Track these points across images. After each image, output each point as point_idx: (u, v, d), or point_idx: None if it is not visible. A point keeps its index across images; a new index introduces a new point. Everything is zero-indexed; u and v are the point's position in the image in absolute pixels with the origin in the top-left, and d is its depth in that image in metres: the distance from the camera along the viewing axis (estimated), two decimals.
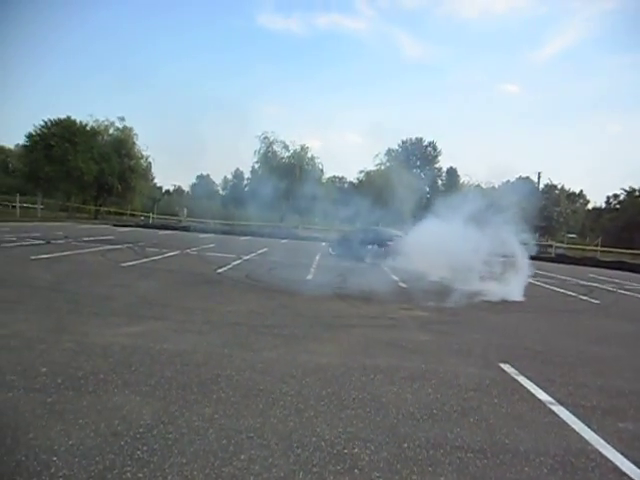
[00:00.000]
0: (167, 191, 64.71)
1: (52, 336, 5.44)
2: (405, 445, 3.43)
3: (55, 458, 2.86)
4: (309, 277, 12.73)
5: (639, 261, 27.58)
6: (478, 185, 58.26)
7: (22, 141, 41.98)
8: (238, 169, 57.92)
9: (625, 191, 58.80)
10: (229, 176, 60.47)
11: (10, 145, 47.97)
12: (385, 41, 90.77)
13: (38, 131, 39.80)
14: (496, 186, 60.28)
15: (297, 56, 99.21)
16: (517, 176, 65.25)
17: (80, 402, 3.71)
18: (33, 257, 12.25)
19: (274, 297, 9.33)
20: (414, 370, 5.25)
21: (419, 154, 64.45)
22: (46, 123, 40.14)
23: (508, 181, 65.93)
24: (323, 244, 25.93)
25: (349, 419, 3.82)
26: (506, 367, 5.59)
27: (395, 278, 13.53)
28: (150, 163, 48.25)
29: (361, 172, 55.41)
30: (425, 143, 64.59)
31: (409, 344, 6.40)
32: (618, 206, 59.18)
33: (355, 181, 56.84)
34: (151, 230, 30.47)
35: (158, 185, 58.96)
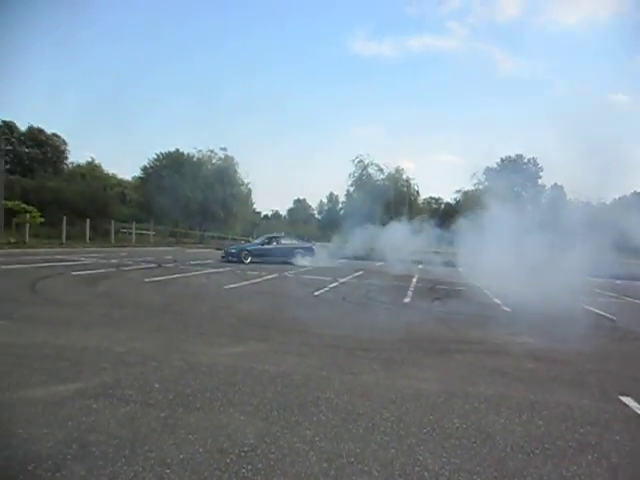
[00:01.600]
0: (266, 216, 67.35)
1: (163, 354, 5.80)
2: None
3: (168, 471, 3.02)
4: (406, 300, 12.52)
5: None
6: (588, 203, 54.41)
7: (138, 173, 46.01)
8: (332, 193, 59.01)
9: None
10: (324, 200, 61.74)
11: (128, 177, 52.61)
12: (479, 58, 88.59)
13: (151, 164, 43.42)
14: (607, 202, 55.91)
15: (390, 79, 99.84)
16: (632, 191, 60.04)
17: (189, 418, 3.90)
18: (146, 280, 13.24)
19: (369, 319, 9.27)
20: (521, 400, 4.94)
21: (520, 172, 61.60)
22: (158, 156, 43.72)
23: (624, 196, 60.91)
24: (420, 266, 25.46)
25: (453, 449, 3.66)
26: (627, 400, 5.07)
27: (497, 301, 12.91)
28: (250, 190, 50.56)
29: (458, 192, 54.07)
30: (525, 160, 61.72)
31: (515, 371, 6.04)
32: None
33: (452, 201, 55.50)
34: None
35: (257, 210, 61.54)
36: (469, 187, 54.15)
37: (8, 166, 41.69)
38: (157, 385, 4.63)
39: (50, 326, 7.01)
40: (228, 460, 3.22)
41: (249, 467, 3.15)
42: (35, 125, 50.82)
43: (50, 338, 6.25)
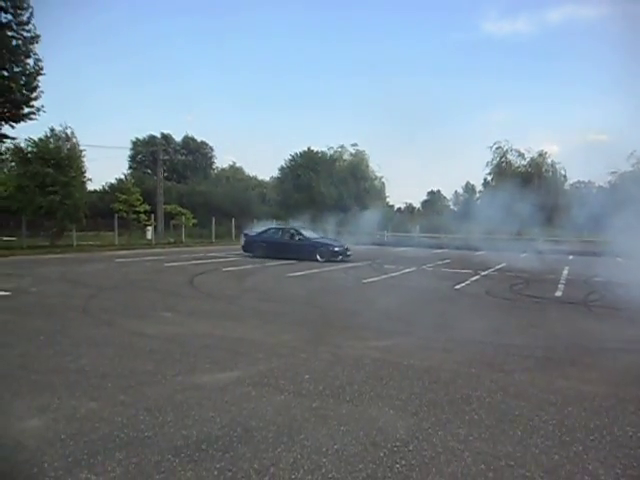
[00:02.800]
0: (399, 209, 66.80)
1: (310, 346, 6.02)
2: None
3: (325, 460, 3.12)
4: (558, 294, 11.56)
5: None
6: None
7: (275, 174, 48.48)
8: (469, 182, 56.65)
9: None
10: (460, 190, 59.56)
11: (266, 178, 55.71)
12: (631, 22, 78.32)
13: (287, 164, 45.47)
14: None
15: (527, 57, 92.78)
16: None
17: (340, 409, 4.00)
18: (289, 274, 13.89)
19: (518, 314, 8.73)
20: None
21: None
22: (293, 156, 45.62)
23: None
24: (570, 257, 23.43)
25: (627, 459, 3.28)
26: None
27: None
28: (384, 183, 50.50)
29: (613, 173, 48.50)
30: None
31: None
32: None
33: (606, 185, 49.98)
34: (386, 247, 31.64)
35: (391, 204, 61.31)
36: (626, 168, 48.21)
37: (166, 174, 46.49)
38: (307, 376, 4.82)
39: (209, 318, 7.66)
40: (381, 454, 3.24)
41: (403, 462, 3.13)
42: (189, 134, 55.99)
43: (210, 329, 6.84)
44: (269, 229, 21.65)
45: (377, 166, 49.33)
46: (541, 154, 46.13)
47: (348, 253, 19.58)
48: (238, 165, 55.54)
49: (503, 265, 18.94)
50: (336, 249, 19.26)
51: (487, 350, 6.15)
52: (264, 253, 19.42)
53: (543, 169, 45.27)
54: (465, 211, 51.28)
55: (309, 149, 46.51)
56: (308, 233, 20.94)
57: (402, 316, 8.30)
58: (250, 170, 59.54)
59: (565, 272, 16.68)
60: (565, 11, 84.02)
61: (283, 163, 46.54)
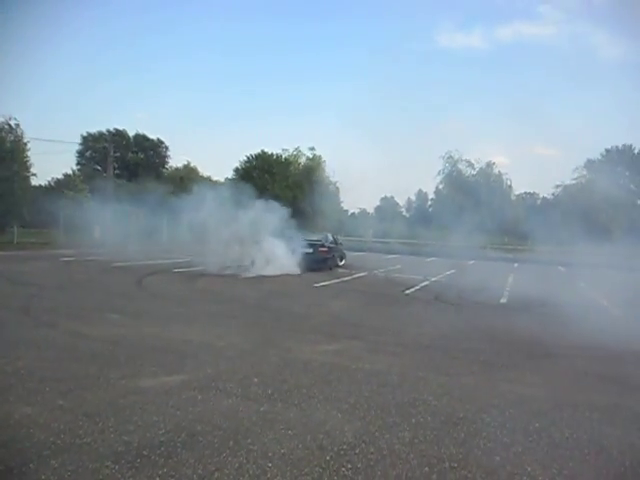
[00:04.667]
0: (352, 214, 67.40)
1: (260, 349, 5.97)
2: None
3: (270, 465, 3.09)
4: (503, 300, 11.95)
5: None
6: None
7: (230, 175, 47.90)
8: (421, 190, 57.90)
9: None
10: (412, 197, 60.74)
11: (221, 179, 55.04)
12: (577, 44, 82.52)
13: (242, 165, 45.07)
14: None
15: (480, 71, 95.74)
16: None
17: (288, 413, 3.97)
18: (242, 276, 13.72)
19: (465, 320, 8.96)
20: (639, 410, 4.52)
21: (628, 163, 56.72)
22: (248, 158, 45.29)
23: None
24: (516, 265, 24.30)
25: (564, 460, 3.41)
26: None
27: (604, 303, 11.99)
28: (338, 188, 50.85)
29: (557, 187, 50.72)
30: (636, 151, 56.69)
31: (630, 379, 5.54)
32: None
33: (550, 197, 52.21)
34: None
35: (345, 208, 61.78)
36: (569, 181, 50.54)
37: (117, 171, 45.08)
38: (256, 379, 4.76)
39: (157, 320, 7.46)
40: (328, 457, 3.23)
41: (349, 466, 3.14)
42: (140, 132, 54.49)
43: (157, 331, 6.66)
44: None
45: (332, 171, 49.68)
46: (489, 164, 47.77)
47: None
48: (193, 165, 54.51)
49: (453, 271, 19.42)
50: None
51: (434, 354, 6.27)
52: None
53: (491, 179, 46.84)
54: (417, 217, 52.48)
55: (264, 151, 46.31)
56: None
57: (351, 319, 8.36)
58: (205, 171, 58.52)
59: (510, 279, 17.26)
60: (516, 28, 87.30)
61: (238, 164, 46.14)
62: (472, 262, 25.88)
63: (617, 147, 56.52)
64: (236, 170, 45.93)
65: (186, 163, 54.29)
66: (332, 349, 6.23)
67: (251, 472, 2.98)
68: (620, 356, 6.61)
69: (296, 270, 15.09)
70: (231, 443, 3.36)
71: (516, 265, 24.50)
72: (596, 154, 57.58)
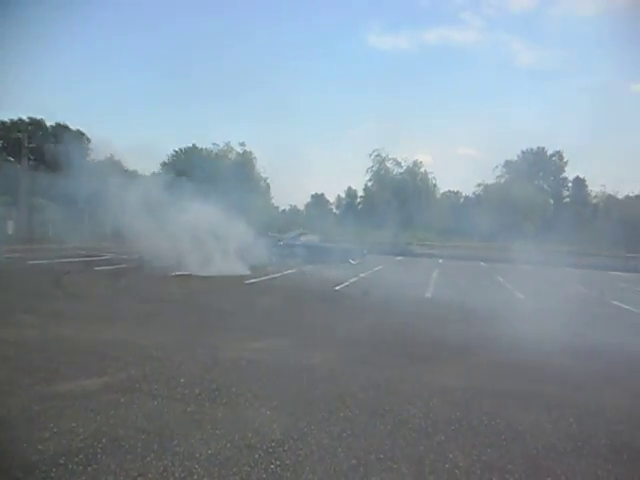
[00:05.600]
0: (283, 210, 67.32)
1: (187, 348, 5.82)
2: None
3: (197, 466, 3.02)
4: (428, 295, 12.40)
5: None
6: (611, 195, 53.42)
7: (157, 169, 46.37)
8: (351, 187, 58.78)
9: None
10: (342, 194, 61.51)
11: (147, 173, 53.11)
12: (496, 50, 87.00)
13: (170, 159, 43.78)
14: (632, 196, 54.79)
15: (407, 72, 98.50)
16: None
17: (216, 413, 3.90)
18: (171, 274, 13.28)
19: (392, 315, 9.20)
20: (551, 397, 4.84)
21: (542, 165, 60.55)
22: (176, 152, 44.07)
23: None
24: (440, 261, 25.25)
25: (483, 446, 3.59)
26: None
27: (520, 296, 12.74)
28: (268, 184, 50.62)
29: (479, 186, 53.32)
30: (549, 153, 60.60)
31: (545, 368, 5.92)
32: None
33: (472, 195, 54.77)
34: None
35: (275, 205, 61.57)
36: (490, 181, 53.30)
37: (32, 163, 42.35)
38: (183, 380, 4.64)
39: (76, 320, 7.09)
40: (256, 456, 3.21)
41: (277, 463, 3.13)
42: (61, 122, 51.47)
43: (76, 332, 6.32)
44: None
45: (263, 167, 49.40)
46: (415, 163, 49.31)
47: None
48: (117, 159, 52.23)
49: (381, 267, 19.89)
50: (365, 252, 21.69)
51: (363, 349, 6.40)
52: None
53: (418, 177, 48.38)
54: (347, 215, 53.23)
55: (194, 145, 45.27)
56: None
57: (280, 316, 8.36)
58: (129, 164, 56.19)
59: (435, 275, 17.93)
60: (441, 32, 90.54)
61: (166, 159, 44.77)
62: (399, 258, 26.65)
63: (532, 149, 60.13)
64: (163, 164, 44.52)
65: (109, 156, 52.03)
66: (261, 346, 6.19)
67: (177, 475, 2.90)
68: (534, 346, 7.03)
69: (236, 268, 14.64)
70: (155, 446, 3.25)
71: (441, 261, 25.47)
72: (513, 155, 61.00)
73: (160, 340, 6.13)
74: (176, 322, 7.40)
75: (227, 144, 47.78)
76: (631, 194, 55.25)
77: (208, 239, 14.37)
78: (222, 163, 46.40)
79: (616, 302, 12.87)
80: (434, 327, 8.18)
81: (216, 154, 47.01)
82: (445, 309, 10.21)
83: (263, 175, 49.61)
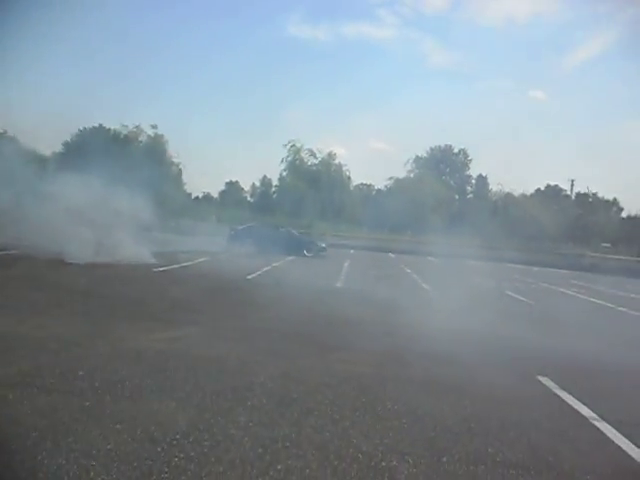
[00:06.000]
0: (197, 197, 65.49)
1: (88, 340, 5.51)
2: (444, 459, 3.33)
3: (94, 463, 2.87)
4: (339, 285, 12.67)
5: None
6: (509, 193, 57.32)
7: (59, 149, 43.23)
8: (266, 176, 58.47)
9: None
10: (257, 183, 61.06)
11: (48, 153, 49.39)
12: (410, 48, 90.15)
13: (74, 139, 40.99)
14: (527, 194, 59.31)
15: (324, 65, 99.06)
16: (547, 184, 64.06)
17: (117, 406, 3.73)
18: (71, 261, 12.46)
19: (304, 304, 9.30)
20: (449, 382, 5.14)
21: (448, 161, 63.72)
22: (81, 131, 41.35)
23: (539, 189, 64.86)
24: (352, 252, 25.84)
25: (385, 430, 3.74)
26: (545, 380, 5.41)
27: (425, 286, 13.38)
28: (181, 170, 48.95)
29: (390, 179, 55.08)
30: (455, 150, 63.87)
31: (443, 354, 6.26)
32: None
33: (384, 189, 56.51)
34: (182, 236, 30.68)
35: (188, 192, 59.73)
36: (401, 175, 55.25)
37: None
38: (81, 373, 4.39)
39: None
40: (159, 449, 3.11)
41: (182, 455, 3.05)
42: None
43: None
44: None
45: (175, 152, 47.66)
46: (330, 155, 49.90)
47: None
48: (10, 134, 47.96)
49: (293, 257, 20.01)
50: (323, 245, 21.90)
51: (273, 338, 6.41)
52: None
53: (332, 169, 49.00)
54: (262, 203, 52.92)
55: (100, 125, 42.71)
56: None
57: (191, 305, 8.14)
58: (27, 142, 51.92)
59: (346, 265, 18.35)
60: (358, 27, 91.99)
61: (69, 138, 41.86)
62: None
63: (440, 146, 63.08)
64: (66, 144, 41.64)
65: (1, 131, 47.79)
66: (169, 336, 6.00)
67: (71, 473, 2.74)
68: (437, 334, 7.41)
69: (142, 255, 13.89)
70: (48, 444, 3.05)
71: (352, 252, 26.10)
72: (423, 151, 63.66)
73: (57, 332, 5.75)
74: (77, 313, 6.97)
75: (137, 126, 45.52)
76: (526, 193, 59.77)
77: (111, 225, 13.56)
78: (131, 145, 44.20)
79: (510, 292, 13.93)
80: (343, 316, 8.36)
81: (125, 136, 44.68)
82: (354, 298, 10.49)
83: (175, 160, 47.89)
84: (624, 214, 65.11)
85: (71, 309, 7.16)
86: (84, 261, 11.87)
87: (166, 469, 2.88)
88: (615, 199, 66.16)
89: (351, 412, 4.04)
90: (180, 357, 5.13)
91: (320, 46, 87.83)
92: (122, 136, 43.99)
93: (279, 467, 3.02)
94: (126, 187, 13.97)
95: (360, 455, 3.29)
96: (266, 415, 3.82)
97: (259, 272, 13.70)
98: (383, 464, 3.19)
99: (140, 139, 46.32)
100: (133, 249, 13.70)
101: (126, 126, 45.04)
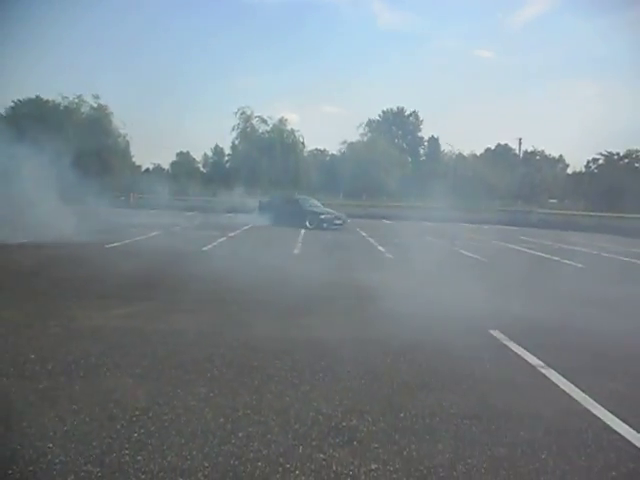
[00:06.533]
0: (147, 169, 63.46)
1: (38, 321, 5.34)
2: (402, 415, 3.46)
3: (51, 445, 2.82)
4: (296, 252, 12.70)
5: (619, 223, 27.95)
6: (460, 154, 58.35)
7: None
8: (218, 145, 57.25)
9: (603, 155, 59.27)
10: (209, 153, 59.77)
11: None
12: (360, 9, 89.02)
13: (9, 112, 38.71)
14: (478, 154, 60.55)
15: (271, 27, 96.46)
16: (497, 143, 65.58)
17: (72, 387, 3.66)
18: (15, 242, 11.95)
19: (262, 272, 9.30)
20: (406, 339, 5.28)
21: (401, 124, 64.06)
22: (16, 103, 39.09)
23: (489, 149, 66.30)
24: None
25: (345, 391, 3.83)
26: (496, 333, 5.64)
27: (381, 249, 13.59)
28: (128, 142, 47.26)
29: (343, 143, 54.86)
30: (407, 113, 64.18)
31: (398, 313, 6.42)
32: (596, 170, 59.73)
33: (338, 153, 56.33)
34: (132, 210, 29.84)
35: (137, 164, 57.76)
36: (354, 139, 55.12)
37: None
38: (33, 356, 4.26)
39: None
40: (118, 426, 3.09)
41: (142, 431, 3.04)
42: None
43: None
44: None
45: (121, 123, 45.87)
46: (282, 121, 49.14)
47: (337, 222, 20.95)
48: None
49: (250, 226, 19.87)
50: (322, 216, 20.83)
51: (231, 308, 6.39)
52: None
53: (284, 136, 48.35)
54: (215, 173, 51.91)
55: (38, 97, 40.47)
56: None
57: (146, 280, 7.98)
58: None
59: (303, 231, 18.37)
60: None
61: (2, 111, 39.52)
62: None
63: (392, 109, 63.22)
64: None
65: None
66: (125, 312, 5.90)
67: (27, 457, 2.69)
68: (392, 295, 7.57)
69: (88, 232, 13.39)
70: (1, 429, 2.97)
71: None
72: (375, 115, 63.67)
73: (5, 315, 5.54)
74: (25, 295, 6.72)
75: (79, 97, 43.39)
76: (477, 153, 61.03)
77: (54, 202, 12.99)
78: (72, 117, 42.15)
79: (462, 251, 14.34)
80: (301, 282, 8.41)
81: (65, 107, 42.55)
82: (311, 264, 10.55)
83: (122, 132, 46.14)
84: (569, 170, 67.66)
85: (19, 292, 6.89)
86: (17, 241, 11.37)
87: (126, 445, 2.87)
88: (561, 156, 68.57)
89: (311, 376, 4.12)
90: (136, 333, 5.06)
91: (267, 8, 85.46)
92: (62, 107, 41.86)
93: (240, 435, 3.06)
94: (63, 161, 13.26)
95: (320, 417, 3.37)
96: (226, 385, 3.84)
97: (215, 243, 13.55)
98: (343, 424, 3.28)
99: (83, 110, 44.28)
100: (71, 226, 13.24)
101: (67, 97, 42.89)
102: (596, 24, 78.92)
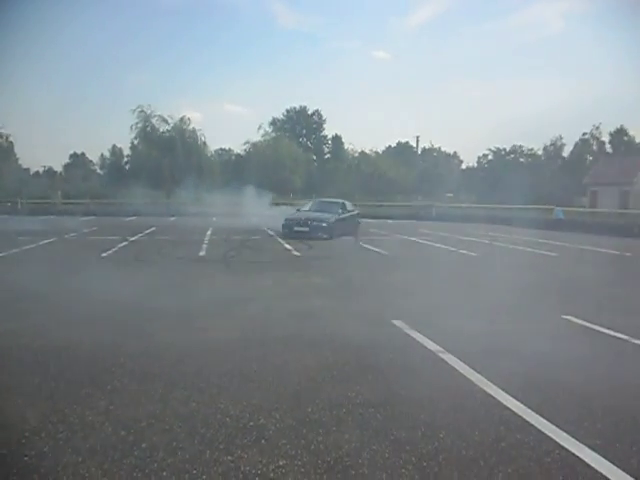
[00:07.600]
0: (36, 173, 58.86)
1: None
2: (309, 409, 3.50)
3: None
4: (202, 253, 12.41)
5: (507, 214, 30.23)
6: (362, 152, 60.12)
7: None
8: (115, 145, 54.53)
9: (492, 151, 64.11)
10: (107, 154, 56.79)
11: None
12: (260, 9, 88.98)
13: None
14: (379, 152, 62.79)
15: (169, 23, 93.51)
16: (397, 141, 68.49)
17: None
18: None
19: (165, 278, 8.99)
20: (312, 335, 5.36)
21: (304, 123, 64.74)
22: None
23: (390, 146, 69.06)
24: (214, 219, 25.38)
25: (252, 391, 3.81)
26: (399, 323, 5.88)
27: (287, 247, 13.67)
28: (12, 143, 43.56)
29: (246, 143, 54.28)
30: (310, 112, 64.98)
31: (306, 311, 6.50)
32: (487, 165, 64.52)
33: (242, 153, 55.69)
34: (20, 217, 27.49)
35: (24, 167, 53.40)
36: (257, 138, 54.73)
37: None
38: None
39: None
40: (5, 451, 2.85)
41: (33, 453, 2.82)
42: None
43: None
44: None
45: (1, 123, 42.20)
46: (183, 120, 47.64)
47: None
48: None
49: (153, 229, 19.13)
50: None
51: (132, 315, 6.11)
52: None
53: (186, 135, 46.93)
54: (113, 175, 49.35)
55: None
56: None
57: (35, 292, 7.36)
58: None
59: (209, 233, 17.99)
60: None
61: None
62: (173, 218, 26.01)
63: (295, 108, 63.75)
64: None
65: None
66: (9, 329, 5.42)
67: None
68: (299, 292, 7.65)
69: None
70: None
71: (214, 219, 25.58)
72: (279, 114, 63.84)
73: None
74: None
75: None
76: (378, 150, 63.30)
77: None
78: None
79: (366, 245, 14.82)
80: (207, 286, 8.26)
81: None
82: (217, 266, 10.38)
83: (3, 132, 42.42)
84: (464, 165, 72.32)
85: None
86: None
87: (14, 471, 2.65)
88: (455, 152, 73.07)
89: (217, 379, 4.05)
90: (24, 350, 4.69)
91: (167, 5, 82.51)
92: None
93: (144, 446, 2.94)
94: None
95: (228, 419, 3.32)
96: (128, 396, 3.67)
97: (115, 248, 12.89)
98: (251, 424, 3.26)
99: None
100: None
101: None
102: (483, 29, 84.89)
